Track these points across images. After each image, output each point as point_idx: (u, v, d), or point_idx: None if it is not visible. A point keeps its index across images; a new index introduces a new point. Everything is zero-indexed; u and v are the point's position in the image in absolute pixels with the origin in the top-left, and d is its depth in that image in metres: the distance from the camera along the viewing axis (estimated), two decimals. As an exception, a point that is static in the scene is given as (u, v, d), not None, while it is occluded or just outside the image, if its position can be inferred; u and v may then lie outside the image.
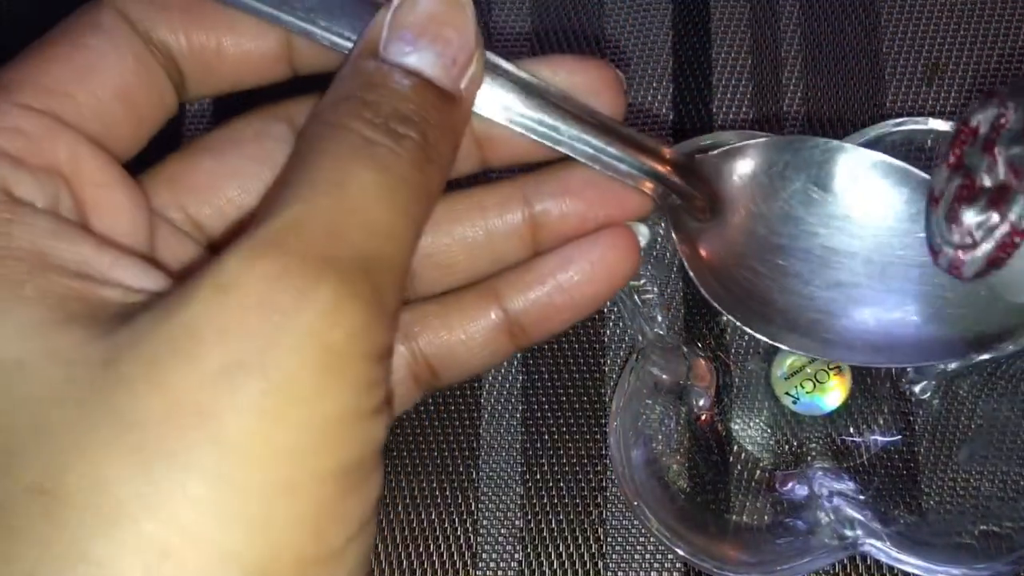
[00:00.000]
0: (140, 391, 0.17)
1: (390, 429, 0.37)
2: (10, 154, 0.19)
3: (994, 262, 0.24)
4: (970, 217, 0.24)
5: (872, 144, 0.32)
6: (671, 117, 0.38)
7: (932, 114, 0.37)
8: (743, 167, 0.26)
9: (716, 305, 0.26)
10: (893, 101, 0.38)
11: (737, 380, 0.36)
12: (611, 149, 0.22)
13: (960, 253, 0.25)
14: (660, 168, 0.23)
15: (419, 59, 0.20)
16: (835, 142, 0.27)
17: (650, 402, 0.34)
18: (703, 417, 0.35)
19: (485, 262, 0.25)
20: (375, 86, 0.20)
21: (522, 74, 0.22)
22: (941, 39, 0.38)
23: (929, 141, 0.32)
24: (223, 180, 0.23)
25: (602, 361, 0.36)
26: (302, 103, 0.24)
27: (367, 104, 0.20)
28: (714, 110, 0.38)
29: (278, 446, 0.17)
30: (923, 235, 0.26)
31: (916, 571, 0.30)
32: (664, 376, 0.34)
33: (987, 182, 0.25)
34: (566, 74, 0.23)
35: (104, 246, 0.19)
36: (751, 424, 0.35)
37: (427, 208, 0.20)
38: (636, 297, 0.32)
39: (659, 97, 0.39)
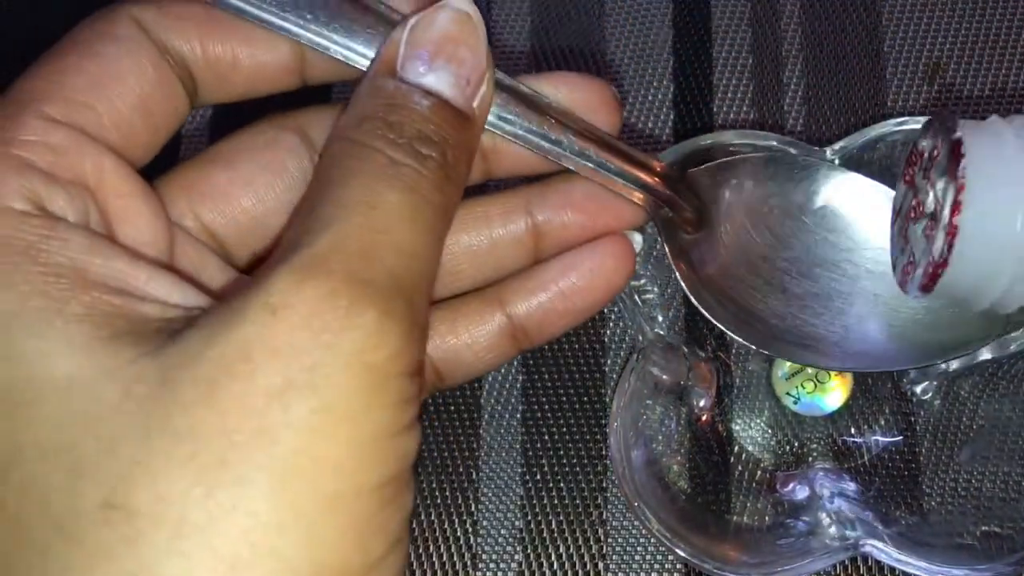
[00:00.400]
0: (198, 409, 0.17)
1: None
2: (41, 168, 0.19)
3: (924, 287, 0.25)
4: (914, 236, 0.26)
5: (872, 144, 0.32)
6: (671, 117, 0.38)
7: (933, 114, 0.37)
8: (730, 181, 0.27)
9: (705, 313, 0.27)
10: (894, 100, 0.38)
11: (738, 380, 0.36)
12: (609, 163, 0.24)
13: (907, 269, 0.26)
14: (652, 181, 0.25)
15: (436, 79, 0.21)
16: (816, 160, 0.29)
17: (650, 402, 0.33)
18: (704, 417, 0.35)
19: (489, 269, 0.26)
20: (396, 106, 0.20)
21: (526, 91, 0.23)
22: (942, 39, 0.38)
23: (930, 141, 0.32)
24: (237, 189, 0.23)
25: (602, 361, 0.36)
26: (311, 113, 0.24)
27: (390, 125, 0.20)
28: (714, 110, 0.38)
29: (327, 462, 0.18)
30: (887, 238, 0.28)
31: (917, 572, 0.30)
32: (665, 376, 0.34)
33: (928, 206, 0.26)
34: (567, 91, 0.24)
35: (138, 261, 0.20)
36: (752, 424, 0.35)
37: (448, 225, 0.21)
38: (636, 297, 0.32)
39: (659, 97, 0.39)
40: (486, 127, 0.23)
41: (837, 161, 0.32)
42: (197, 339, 0.18)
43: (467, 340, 0.26)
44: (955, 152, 0.24)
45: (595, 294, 0.25)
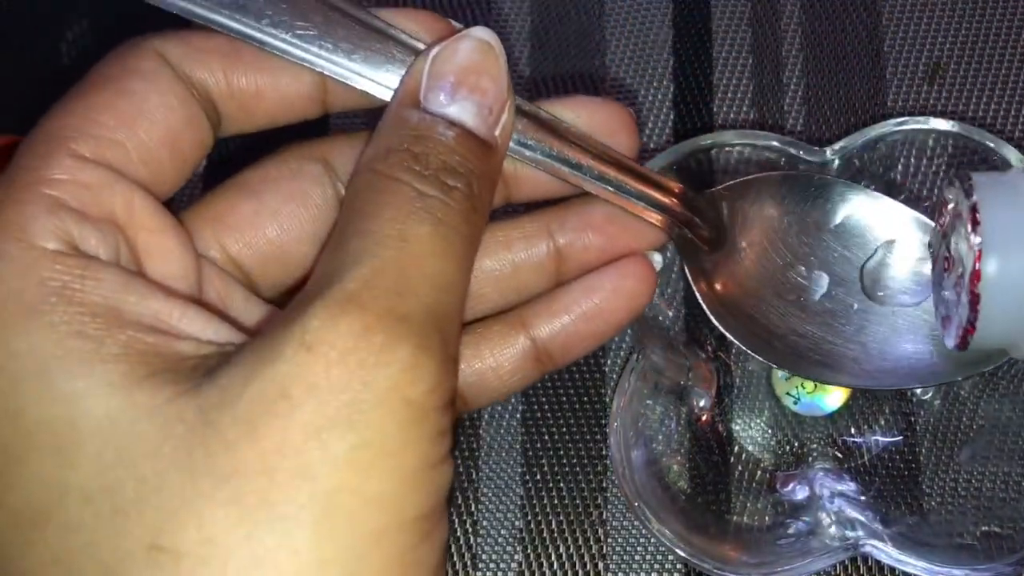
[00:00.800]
0: (239, 449, 0.17)
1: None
2: (73, 207, 0.20)
3: (959, 346, 0.26)
4: (949, 287, 0.26)
5: (872, 144, 0.32)
6: (671, 117, 0.38)
7: (933, 114, 0.37)
8: (748, 200, 0.28)
9: (725, 331, 0.27)
10: (894, 100, 0.38)
11: (738, 380, 0.36)
12: (628, 186, 0.24)
13: (944, 321, 0.27)
14: (670, 202, 0.25)
15: (459, 110, 0.21)
16: (830, 178, 0.29)
17: (650, 402, 0.33)
18: (704, 417, 0.35)
19: (512, 293, 0.26)
20: (421, 138, 0.21)
21: (546, 116, 0.24)
22: (942, 39, 0.38)
23: (930, 141, 0.32)
24: (263, 220, 0.23)
25: (602, 361, 0.36)
26: (335, 142, 0.24)
27: (416, 156, 0.20)
28: (714, 110, 0.38)
29: (368, 497, 0.18)
30: (916, 267, 0.29)
31: (917, 572, 0.30)
32: (665, 376, 0.34)
33: (956, 262, 0.26)
34: (586, 115, 0.24)
35: (171, 298, 0.20)
36: (752, 424, 0.35)
37: (474, 254, 0.21)
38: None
39: (659, 97, 0.39)
40: (507, 153, 0.23)
41: (837, 161, 0.32)
42: (235, 377, 0.18)
43: (492, 364, 0.26)
44: (973, 216, 0.25)
45: (617, 315, 0.26)
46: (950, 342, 0.27)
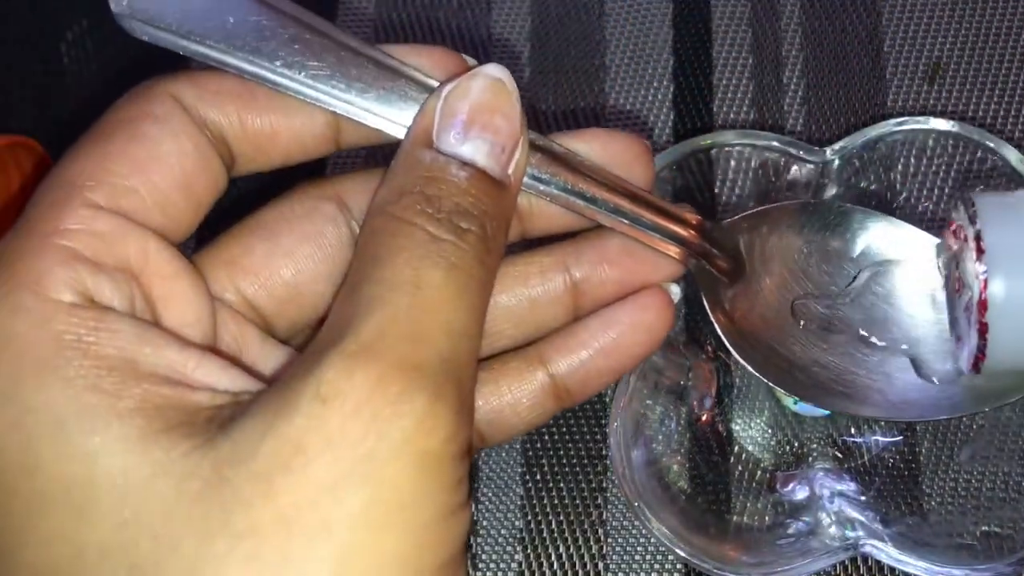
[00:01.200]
0: (254, 506, 0.17)
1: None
2: (88, 257, 0.19)
3: (973, 370, 0.25)
4: (960, 310, 0.26)
5: (872, 144, 0.32)
6: (671, 117, 0.38)
7: (933, 113, 0.37)
8: (766, 230, 0.27)
9: (747, 365, 0.27)
10: (894, 101, 0.38)
11: (738, 380, 0.36)
12: (644, 219, 0.24)
13: (958, 344, 0.26)
14: (687, 234, 0.25)
15: (472, 149, 0.21)
16: (848, 206, 0.29)
17: (651, 402, 0.33)
18: (704, 417, 0.35)
19: (529, 328, 0.26)
20: (434, 179, 0.21)
21: (559, 149, 0.23)
22: (942, 38, 0.38)
23: (930, 141, 0.32)
24: (277, 261, 0.23)
25: (602, 361, 0.36)
26: (349, 181, 0.24)
27: (429, 199, 0.20)
28: (714, 110, 0.38)
29: (385, 552, 0.18)
30: (931, 294, 0.28)
31: (917, 572, 0.30)
32: (665, 376, 0.34)
33: (966, 284, 0.26)
34: (599, 147, 0.24)
35: (187, 347, 0.20)
36: (752, 424, 0.35)
37: (488, 297, 0.21)
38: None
39: (659, 97, 0.39)
40: (522, 188, 0.23)
41: (837, 161, 0.32)
42: (250, 431, 0.18)
43: (509, 400, 0.26)
44: (978, 244, 0.25)
45: (636, 349, 0.25)
46: (964, 366, 0.27)
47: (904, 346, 0.28)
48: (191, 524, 0.17)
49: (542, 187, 0.23)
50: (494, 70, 0.22)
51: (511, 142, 0.22)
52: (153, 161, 0.21)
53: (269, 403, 0.18)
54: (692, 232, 0.25)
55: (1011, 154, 0.30)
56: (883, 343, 0.28)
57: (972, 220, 0.25)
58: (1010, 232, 0.25)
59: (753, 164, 0.33)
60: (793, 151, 0.32)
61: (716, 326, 0.27)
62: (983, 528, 0.32)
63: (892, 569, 0.33)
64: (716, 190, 0.34)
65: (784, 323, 0.28)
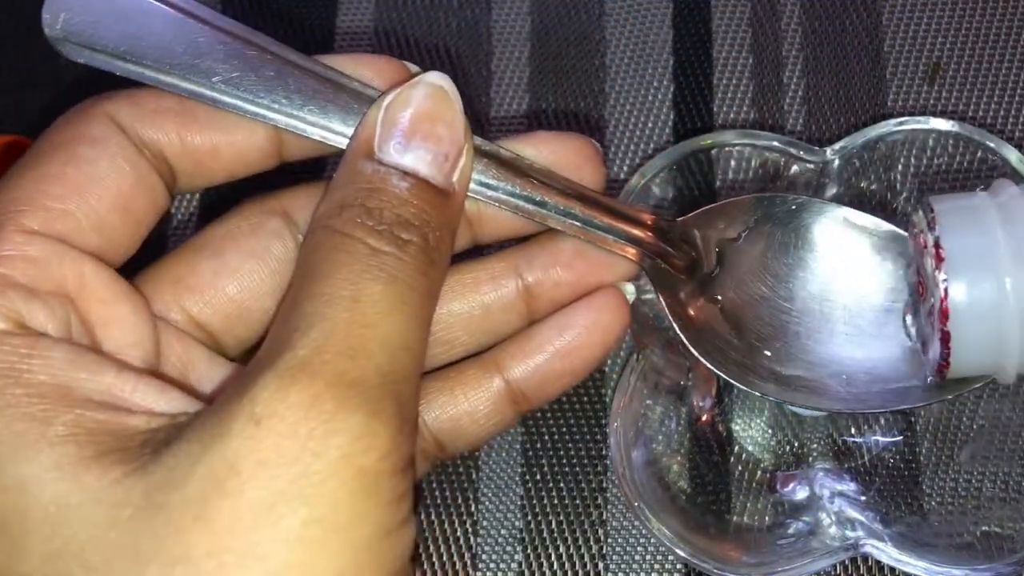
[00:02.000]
0: (187, 530, 0.17)
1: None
2: (21, 283, 0.19)
3: (939, 377, 0.25)
4: (923, 314, 0.26)
5: (872, 144, 0.32)
6: (671, 117, 0.38)
7: (933, 114, 0.37)
8: (721, 225, 0.27)
9: (703, 360, 0.26)
10: (894, 101, 0.38)
11: (738, 380, 0.36)
12: (596, 220, 0.24)
13: (923, 349, 0.26)
14: (641, 235, 0.25)
15: (414, 159, 0.21)
16: (804, 198, 0.28)
17: (651, 402, 0.33)
18: (704, 417, 0.35)
19: (484, 335, 0.26)
20: (375, 191, 0.20)
21: (507, 154, 0.23)
22: (942, 38, 0.38)
23: (930, 141, 0.32)
24: (223, 279, 0.23)
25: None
26: (293, 195, 0.24)
27: (369, 211, 0.20)
28: (714, 110, 0.38)
29: (322, 572, 0.17)
30: (890, 284, 0.28)
31: (918, 572, 0.30)
32: (665, 376, 0.34)
33: (928, 291, 0.26)
34: (548, 151, 0.24)
35: (124, 371, 0.20)
36: (752, 424, 0.35)
37: (433, 308, 0.21)
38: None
39: (659, 97, 0.39)
40: (469, 194, 0.23)
41: (837, 161, 0.32)
42: (184, 455, 0.18)
43: (467, 408, 0.25)
44: (937, 252, 0.24)
45: (592, 351, 0.25)
46: (928, 373, 0.27)
47: (864, 341, 0.28)
48: (123, 552, 0.17)
49: (490, 193, 0.23)
50: (435, 78, 0.22)
51: (454, 150, 0.21)
52: (89, 183, 0.21)
53: (204, 426, 0.18)
54: (646, 232, 0.25)
55: (1011, 154, 0.30)
56: (844, 335, 0.28)
57: (931, 226, 0.25)
58: (970, 237, 0.24)
59: (753, 164, 0.33)
60: (793, 151, 0.32)
61: (673, 323, 0.26)
62: (983, 528, 0.32)
63: (892, 569, 0.33)
64: (716, 190, 0.34)
65: (743, 318, 0.27)
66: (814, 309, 0.28)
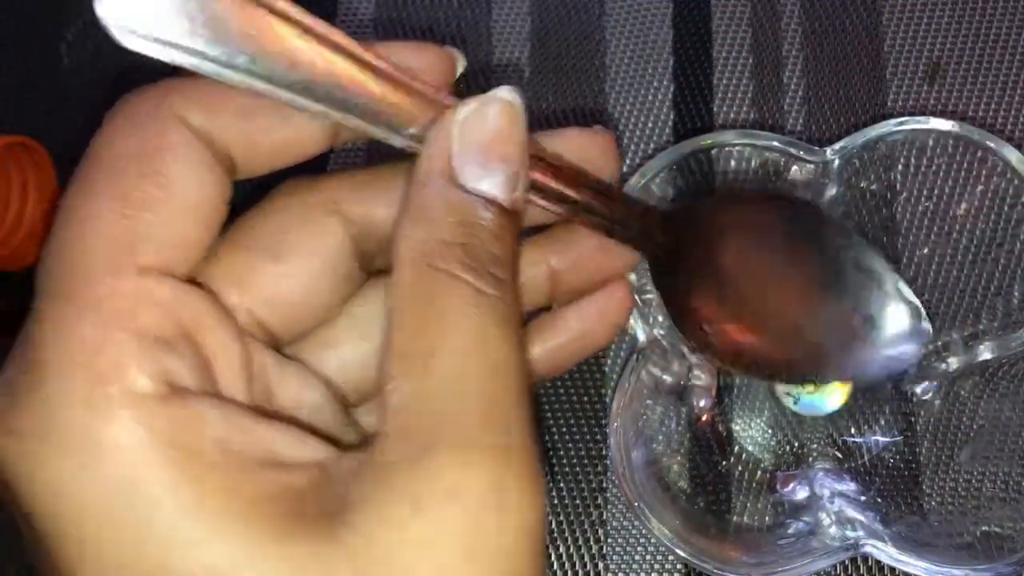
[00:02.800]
0: None
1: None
2: (159, 336, 0.18)
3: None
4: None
5: (872, 144, 0.32)
6: (671, 117, 0.38)
7: (933, 113, 0.37)
8: (706, 218, 0.28)
9: (696, 347, 0.27)
10: (894, 100, 0.38)
11: (738, 380, 0.36)
12: (618, 218, 0.25)
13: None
14: (651, 230, 0.26)
15: (491, 184, 0.21)
16: (787, 189, 0.30)
17: (651, 402, 0.33)
18: (704, 418, 0.35)
19: None
20: (466, 224, 0.20)
21: (550, 157, 0.23)
22: (942, 39, 0.38)
23: (930, 141, 0.32)
24: (286, 282, 0.23)
25: (602, 361, 0.36)
26: (338, 185, 0.23)
27: (467, 250, 0.20)
28: (714, 110, 0.38)
29: None
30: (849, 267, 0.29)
31: (918, 572, 0.30)
32: (665, 377, 0.34)
33: None
34: (577, 147, 0.24)
35: (269, 422, 0.19)
36: (752, 425, 0.35)
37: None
38: (637, 298, 0.32)
39: (659, 97, 0.39)
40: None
41: (837, 161, 0.32)
42: (380, 528, 0.18)
43: None
44: None
45: (601, 338, 0.27)
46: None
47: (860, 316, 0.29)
48: None
49: (531, 194, 0.23)
50: (507, 94, 0.21)
51: (523, 168, 0.21)
52: (181, 204, 0.20)
53: (385, 498, 0.18)
54: (654, 225, 0.26)
55: (1011, 154, 0.30)
56: (840, 316, 0.29)
57: None
58: None
59: (753, 164, 0.33)
60: (793, 151, 0.32)
61: (668, 313, 0.28)
62: (983, 528, 0.32)
63: (892, 569, 0.33)
64: (716, 190, 0.34)
65: (737, 306, 0.28)
66: (796, 291, 0.29)
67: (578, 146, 0.24)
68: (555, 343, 0.26)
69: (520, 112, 0.21)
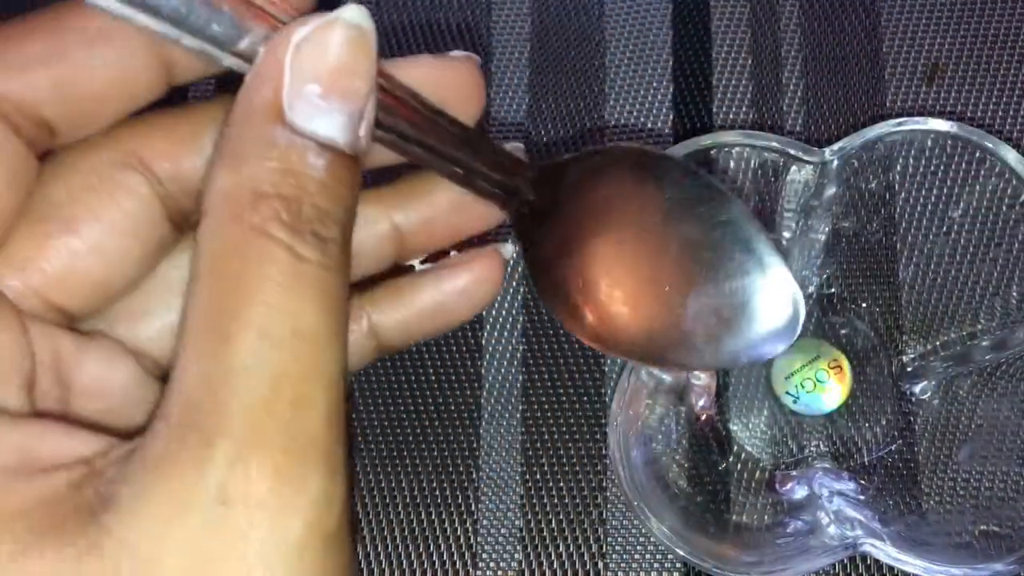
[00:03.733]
0: None
1: (387, 427, 0.37)
2: None
3: None
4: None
5: (872, 144, 0.32)
6: (671, 117, 0.38)
7: (932, 114, 0.37)
8: (573, 175, 0.25)
9: (557, 318, 0.25)
10: (893, 101, 0.38)
11: (737, 380, 0.36)
12: (479, 170, 0.22)
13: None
14: (518, 184, 0.23)
15: (328, 124, 0.17)
16: (661, 152, 0.26)
17: (650, 402, 0.33)
18: (703, 417, 0.35)
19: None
20: (290, 173, 0.17)
21: (401, 92, 0.20)
22: (941, 39, 0.39)
23: (929, 141, 0.32)
24: (81, 257, 0.19)
25: (602, 361, 0.36)
26: (146, 136, 0.20)
27: (287, 204, 0.17)
28: (714, 110, 0.38)
29: None
30: (725, 237, 0.26)
31: (916, 571, 0.30)
32: (664, 376, 0.34)
33: None
34: (435, 78, 0.21)
35: (25, 420, 0.17)
36: (751, 424, 0.35)
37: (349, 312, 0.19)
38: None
39: (659, 97, 0.39)
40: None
41: (836, 162, 0.32)
42: (146, 537, 0.16)
43: None
44: None
45: (461, 313, 0.24)
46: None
47: (731, 287, 0.26)
48: None
49: (379, 133, 0.20)
50: (356, 15, 0.18)
51: (368, 104, 0.18)
52: None
53: (154, 497, 0.16)
54: (522, 180, 0.23)
55: (1010, 155, 0.31)
56: (710, 285, 0.26)
57: None
58: None
59: (753, 164, 0.33)
60: (792, 151, 0.32)
61: (532, 281, 0.24)
62: (982, 527, 0.32)
63: (891, 568, 0.33)
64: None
65: (601, 272, 0.25)
66: (668, 263, 0.25)
67: (436, 79, 0.21)
68: (405, 315, 0.23)
69: (370, 38, 0.18)
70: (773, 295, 0.26)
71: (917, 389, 0.35)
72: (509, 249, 0.24)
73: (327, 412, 0.17)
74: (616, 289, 0.24)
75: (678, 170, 0.25)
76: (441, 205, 0.23)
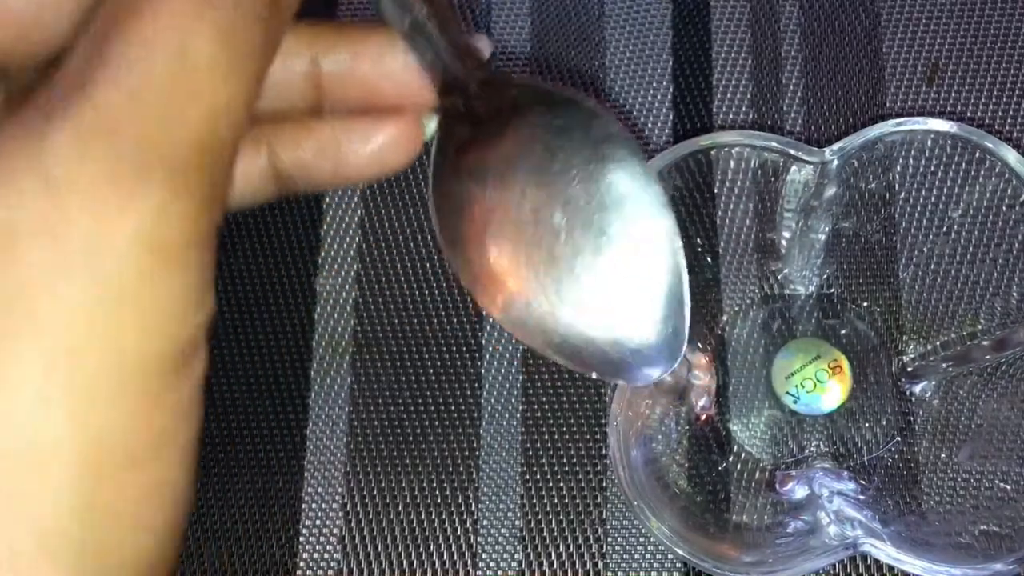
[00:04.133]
0: None
1: (387, 427, 0.37)
2: None
3: None
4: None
5: (872, 144, 0.32)
6: (671, 117, 0.38)
7: (932, 114, 0.37)
8: (517, 99, 0.22)
9: (454, 268, 0.22)
10: (893, 101, 0.38)
11: (737, 380, 0.36)
12: (436, 42, 0.20)
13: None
14: (469, 79, 0.21)
15: None
16: (609, 117, 0.22)
17: (650, 402, 0.33)
18: (703, 417, 0.35)
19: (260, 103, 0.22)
20: None
21: None
22: (941, 39, 0.39)
23: (929, 141, 0.32)
24: None
25: (602, 361, 0.36)
26: None
27: None
28: (714, 110, 0.38)
29: (102, 341, 0.16)
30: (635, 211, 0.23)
31: (916, 571, 0.30)
32: (664, 376, 0.34)
33: None
34: None
35: None
36: (751, 424, 0.35)
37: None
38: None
39: (659, 97, 0.39)
40: None
41: (836, 161, 0.32)
42: None
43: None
44: None
45: (366, 167, 0.22)
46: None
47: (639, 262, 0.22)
48: None
49: None
50: None
51: None
52: None
53: None
54: (472, 76, 0.21)
55: (1009, 155, 0.31)
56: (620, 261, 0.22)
57: None
58: None
59: (753, 164, 0.33)
60: (792, 151, 0.32)
61: (431, 187, 0.22)
62: (982, 527, 0.32)
63: (891, 568, 0.33)
64: (716, 190, 0.35)
65: (510, 231, 0.22)
66: (578, 237, 0.22)
67: None
68: (307, 149, 0.22)
69: None
70: (661, 320, 0.23)
71: (917, 389, 0.35)
72: (431, 129, 0.22)
73: (198, 134, 0.16)
74: (504, 261, 0.22)
75: (620, 148, 0.21)
76: (368, 55, 0.21)
